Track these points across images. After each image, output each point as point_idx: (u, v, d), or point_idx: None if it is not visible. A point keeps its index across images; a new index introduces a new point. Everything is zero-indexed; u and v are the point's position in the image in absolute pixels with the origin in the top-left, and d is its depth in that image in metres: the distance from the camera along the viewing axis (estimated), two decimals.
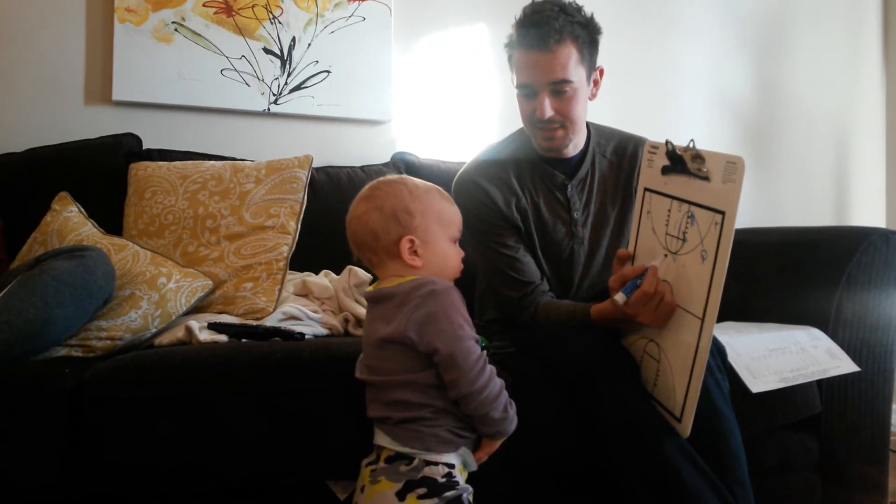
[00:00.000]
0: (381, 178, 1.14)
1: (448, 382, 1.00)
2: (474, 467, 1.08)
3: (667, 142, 1.16)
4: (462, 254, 1.14)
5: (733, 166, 1.01)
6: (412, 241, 1.07)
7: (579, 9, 1.43)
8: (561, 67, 1.38)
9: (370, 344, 1.09)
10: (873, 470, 1.63)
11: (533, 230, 1.52)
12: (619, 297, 1.19)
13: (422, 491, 0.99)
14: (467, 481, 1.08)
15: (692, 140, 1.10)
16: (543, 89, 1.40)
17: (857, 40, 2.88)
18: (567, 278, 1.55)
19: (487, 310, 1.64)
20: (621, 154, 1.57)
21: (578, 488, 1.34)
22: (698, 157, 1.08)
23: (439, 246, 1.10)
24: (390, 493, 1.00)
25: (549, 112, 1.41)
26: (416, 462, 1.02)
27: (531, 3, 1.43)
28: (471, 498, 1.05)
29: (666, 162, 1.17)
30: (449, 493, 1.00)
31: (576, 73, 1.40)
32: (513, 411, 1.06)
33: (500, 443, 1.09)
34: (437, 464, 1.02)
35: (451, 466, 1.03)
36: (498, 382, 1.04)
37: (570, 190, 1.52)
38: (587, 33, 1.42)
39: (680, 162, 1.13)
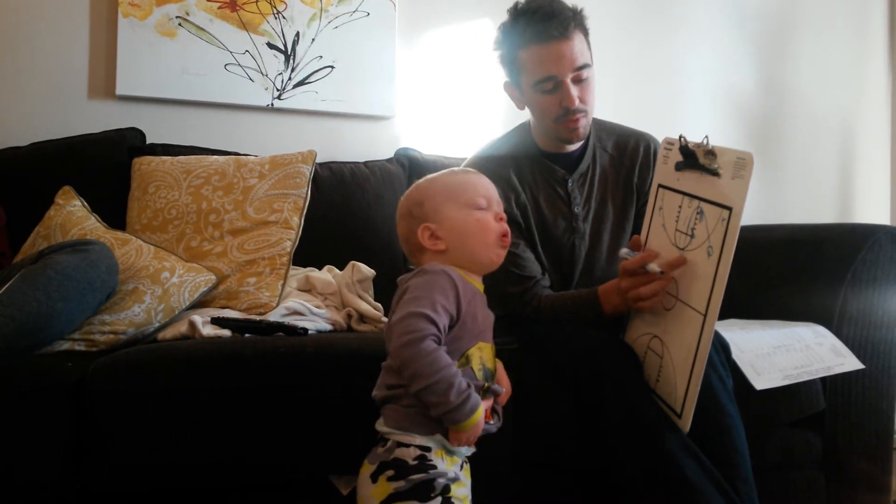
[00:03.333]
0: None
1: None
2: (463, 451, 1.04)
3: (680, 136, 1.16)
4: (496, 216, 1.10)
5: (742, 162, 1.01)
6: (428, 228, 1.08)
7: None
8: (581, 52, 1.40)
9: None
10: (876, 468, 1.62)
11: (533, 226, 1.51)
12: (625, 252, 1.24)
13: (391, 473, 0.98)
14: (473, 474, 1.07)
15: (706, 136, 1.10)
16: (567, 78, 1.39)
17: (863, 38, 2.87)
18: (568, 273, 1.54)
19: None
20: (622, 149, 1.57)
21: (581, 484, 1.34)
22: (710, 152, 1.08)
23: (452, 216, 1.08)
24: (366, 475, 1.01)
25: (577, 101, 1.41)
26: (389, 443, 1.01)
27: (525, 1, 1.42)
28: (453, 487, 1.00)
29: (680, 158, 1.17)
30: (417, 476, 0.98)
31: (589, 56, 1.42)
32: (459, 399, 0.95)
33: (466, 434, 0.99)
34: (408, 445, 1.00)
35: (427, 449, 1.00)
36: (436, 363, 0.95)
37: (570, 185, 1.52)
38: (581, 18, 1.43)
39: (692, 157, 1.13)
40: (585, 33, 1.43)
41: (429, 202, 1.09)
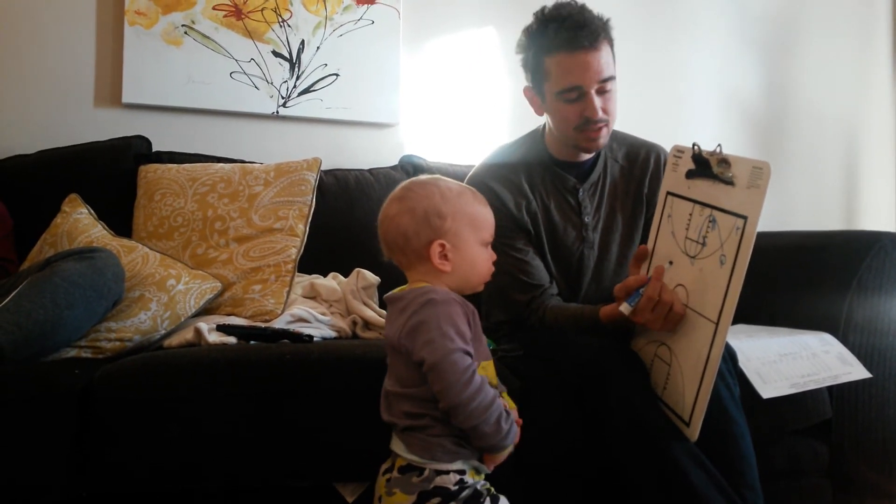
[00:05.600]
0: (414, 179, 1.12)
1: (436, 393, 0.98)
2: (488, 471, 1.07)
3: (693, 145, 1.16)
4: (493, 257, 1.13)
5: (759, 171, 1.01)
6: (443, 246, 1.05)
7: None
8: (607, 64, 1.39)
9: (386, 345, 1.09)
10: (883, 476, 1.62)
11: (543, 233, 1.51)
12: (625, 308, 1.20)
13: (436, 501, 0.99)
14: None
15: (719, 145, 1.10)
16: (591, 89, 1.39)
17: (868, 42, 2.87)
18: (576, 282, 1.54)
19: (494, 312, 1.63)
20: (633, 159, 1.57)
21: (585, 489, 1.33)
22: (724, 161, 1.08)
23: (469, 250, 1.08)
24: None
25: (600, 112, 1.40)
26: (426, 473, 1.01)
27: (554, 7, 1.42)
28: (488, 486, 1.05)
29: (691, 165, 1.17)
30: (464, 494, 1.00)
31: (614, 67, 1.42)
32: (507, 425, 1.01)
33: (505, 454, 1.05)
34: (447, 472, 1.01)
35: (462, 472, 1.02)
36: (489, 394, 0.99)
37: (581, 194, 1.52)
38: (609, 29, 1.43)
39: (705, 166, 1.13)
40: (612, 44, 1.42)
41: (453, 222, 1.06)
